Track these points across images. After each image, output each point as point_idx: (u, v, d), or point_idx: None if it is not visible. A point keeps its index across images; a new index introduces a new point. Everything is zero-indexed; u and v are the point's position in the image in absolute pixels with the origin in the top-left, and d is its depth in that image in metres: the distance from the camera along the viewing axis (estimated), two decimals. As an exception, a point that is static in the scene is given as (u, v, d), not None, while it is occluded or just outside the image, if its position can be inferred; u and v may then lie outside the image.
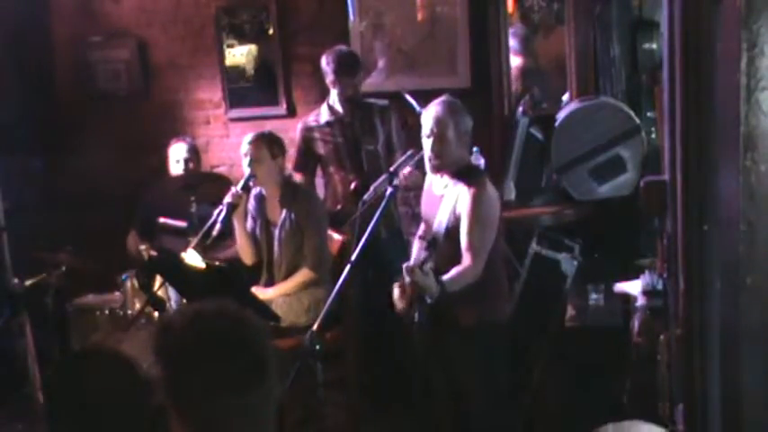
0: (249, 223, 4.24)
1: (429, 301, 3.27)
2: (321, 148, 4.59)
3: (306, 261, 4.14)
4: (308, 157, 4.65)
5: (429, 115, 3.48)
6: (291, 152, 4.67)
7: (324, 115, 4.58)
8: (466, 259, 3.37)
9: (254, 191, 4.24)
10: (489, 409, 3.57)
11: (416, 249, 3.73)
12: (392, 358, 4.44)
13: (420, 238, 3.71)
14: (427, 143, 3.47)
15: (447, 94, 3.59)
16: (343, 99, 4.52)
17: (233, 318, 1.75)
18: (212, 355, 1.70)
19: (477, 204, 3.39)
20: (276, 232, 4.18)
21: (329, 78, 4.50)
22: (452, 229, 3.43)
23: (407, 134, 4.52)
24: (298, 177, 4.64)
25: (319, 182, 4.81)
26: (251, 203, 4.25)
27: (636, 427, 1.33)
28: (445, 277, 3.31)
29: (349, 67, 4.48)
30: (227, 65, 5.44)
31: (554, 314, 4.06)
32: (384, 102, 4.63)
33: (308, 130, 4.61)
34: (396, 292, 3.45)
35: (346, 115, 4.54)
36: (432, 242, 3.38)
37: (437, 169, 3.51)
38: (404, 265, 3.29)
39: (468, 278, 3.37)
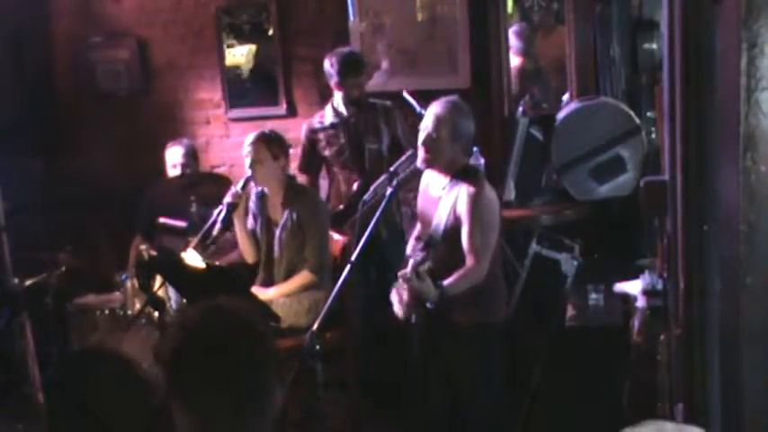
0: (250, 221, 4.24)
1: (430, 306, 3.27)
2: (326, 150, 4.60)
3: (306, 263, 4.13)
4: (312, 158, 4.66)
5: (431, 111, 3.49)
6: (293, 151, 4.67)
7: (328, 117, 4.58)
8: (469, 261, 3.37)
9: (255, 189, 4.23)
10: (487, 410, 3.57)
11: (411, 249, 3.72)
12: (392, 358, 4.43)
13: (416, 238, 3.71)
14: (421, 136, 3.48)
15: (457, 96, 3.59)
16: (348, 101, 4.51)
17: (240, 331, 1.76)
18: (209, 365, 1.71)
19: (477, 206, 3.38)
20: (277, 232, 4.18)
21: (333, 80, 4.49)
22: (450, 230, 3.42)
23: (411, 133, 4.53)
24: (302, 177, 4.64)
25: (322, 182, 4.81)
26: (252, 201, 4.24)
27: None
28: (446, 282, 3.30)
29: (353, 68, 4.47)
30: (227, 65, 5.44)
31: (554, 314, 4.06)
32: (388, 103, 4.63)
33: (312, 132, 4.62)
34: (394, 298, 3.46)
35: (351, 116, 4.54)
36: (429, 242, 3.37)
37: (427, 164, 3.50)
38: (399, 274, 3.28)
39: (471, 280, 3.36)
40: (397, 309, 3.45)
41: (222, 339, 1.72)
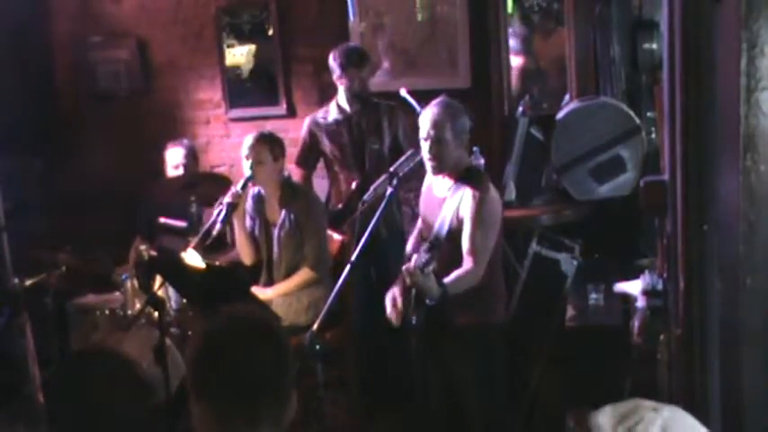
0: (248, 223, 4.24)
1: (429, 303, 3.27)
2: (326, 146, 4.59)
3: (306, 260, 4.14)
4: (310, 153, 4.66)
5: (426, 118, 3.47)
6: (291, 152, 4.67)
7: (332, 113, 4.58)
8: (468, 262, 3.37)
9: (252, 191, 4.23)
10: (487, 410, 3.57)
11: (410, 247, 3.72)
12: (392, 358, 4.43)
13: (422, 239, 3.70)
14: (425, 146, 3.47)
15: (444, 95, 3.58)
16: (351, 94, 4.50)
17: (261, 341, 1.79)
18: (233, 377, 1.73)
19: (481, 208, 3.38)
20: (275, 232, 4.18)
21: (336, 74, 4.49)
22: (454, 232, 3.42)
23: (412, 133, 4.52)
24: (297, 172, 4.64)
25: (323, 181, 4.81)
26: (248, 203, 4.24)
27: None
28: (446, 280, 3.30)
29: (355, 60, 4.48)
30: (227, 65, 5.44)
31: (554, 314, 4.06)
32: (392, 102, 4.63)
33: (315, 126, 4.61)
34: (388, 303, 3.45)
35: (354, 114, 4.54)
36: (434, 244, 3.37)
37: (437, 171, 3.50)
38: (403, 268, 3.28)
39: (469, 281, 3.36)
40: (390, 313, 3.45)
41: (245, 348, 1.75)
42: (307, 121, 4.67)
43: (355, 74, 4.47)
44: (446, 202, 3.47)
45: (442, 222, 3.45)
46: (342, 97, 4.55)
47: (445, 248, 3.41)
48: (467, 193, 3.41)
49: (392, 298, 3.44)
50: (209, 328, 1.80)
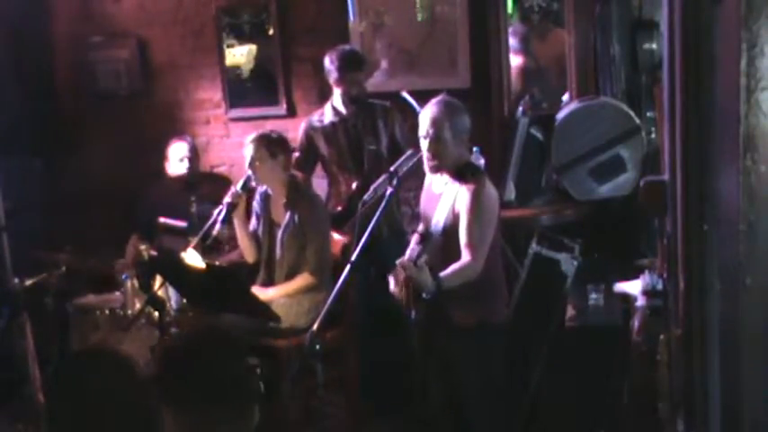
0: (253, 221, 4.25)
1: (426, 296, 3.27)
2: (323, 148, 4.59)
3: (307, 265, 4.13)
4: (308, 156, 4.65)
5: (425, 116, 3.48)
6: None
7: (328, 116, 4.57)
8: (465, 255, 3.37)
9: (261, 189, 4.24)
10: (487, 410, 3.57)
11: (412, 244, 3.73)
12: (392, 358, 4.44)
13: (416, 233, 3.72)
14: (424, 144, 3.47)
15: (445, 93, 3.58)
16: (348, 98, 4.49)
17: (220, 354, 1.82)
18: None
19: (477, 201, 3.39)
20: (279, 233, 4.18)
21: (333, 77, 4.48)
22: (450, 227, 3.43)
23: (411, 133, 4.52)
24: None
25: (323, 181, 4.81)
26: (256, 201, 4.25)
27: None
28: (443, 273, 3.31)
29: (353, 64, 4.46)
30: (227, 65, 5.44)
31: (554, 314, 4.06)
32: (386, 102, 4.62)
33: (312, 130, 4.61)
34: (391, 281, 3.45)
35: (350, 116, 4.53)
36: (426, 236, 3.37)
37: (435, 170, 3.51)
38: (397, 261, 3.29)
39: (467, 274, 3.36)
40: (394, 289, 3.43)
41: (203, 361, 1.78)
42: (303, 125, 4.67)
43: (353, 78, 4.46)
44: (442, 197, 3.49)
45: (438, 217, 3.47)
46: (337, 99, 4.54)
47: (441, 242, 3.42)
48: (462, 187, 3.42)
49: (395, 275, 3.40)
50: (172, 342, 1.87)
